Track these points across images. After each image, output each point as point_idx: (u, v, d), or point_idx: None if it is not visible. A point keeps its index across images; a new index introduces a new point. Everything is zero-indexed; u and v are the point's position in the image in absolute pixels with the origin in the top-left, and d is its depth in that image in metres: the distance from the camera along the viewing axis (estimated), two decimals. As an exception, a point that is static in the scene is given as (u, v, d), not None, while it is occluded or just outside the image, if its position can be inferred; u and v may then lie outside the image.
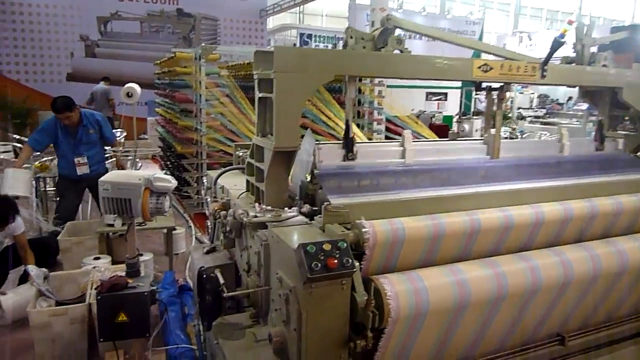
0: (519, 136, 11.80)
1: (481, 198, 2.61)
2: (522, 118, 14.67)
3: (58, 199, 5.17)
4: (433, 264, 2.36)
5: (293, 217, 2.36)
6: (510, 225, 2.49)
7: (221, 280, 2.63)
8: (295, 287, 1.95)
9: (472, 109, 16.02)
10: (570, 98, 20.63)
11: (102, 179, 2.30)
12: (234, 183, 3.19)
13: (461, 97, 15.35)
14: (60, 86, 12.11)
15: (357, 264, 2.02)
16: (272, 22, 17.66)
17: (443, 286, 2.15)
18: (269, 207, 2.41)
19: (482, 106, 16.24)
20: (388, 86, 7.80)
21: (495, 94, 3.09)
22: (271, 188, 2.51)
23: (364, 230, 2.12)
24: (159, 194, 2.35)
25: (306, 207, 2.46)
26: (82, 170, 4.81)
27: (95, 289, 2.41)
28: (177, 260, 4.72)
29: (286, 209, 2.42)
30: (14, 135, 8.54)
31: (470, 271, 2.26)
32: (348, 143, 2.59)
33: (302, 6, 19.26)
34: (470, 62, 2.70)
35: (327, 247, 1.91)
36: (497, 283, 2.27)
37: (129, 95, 5.01)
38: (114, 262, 3.87)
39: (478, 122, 13.63)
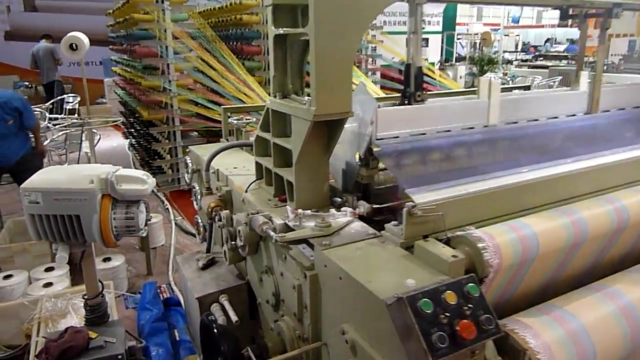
0: (510, 82, 11.05)
1: (607, 173, 1.79)
2: (509, 62, 13.86)
3: None
4: (559, 281, 1.57)
5: (348, 224, 1.49)
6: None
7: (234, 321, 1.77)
8: (392, 367, 1.10)
9: (455, 55, 15.18)
10: (548, 40, 19.92)
11: (25, 185, 1.36)
12: (232, 164, 2.27)
13: (442, 42, 14.49)
14: (-4, 46, 10.52)
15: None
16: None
17: (610, 330, 1.35)
18: (308, 211, 1.52)
19: (464, 52, 15.34)
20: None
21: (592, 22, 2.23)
22: (305, 177, 1.61)
23: (480, 246, 1.28)
24: (128, 203, 1.43)
25: (363, 206, 1.59)
26: None
27: (37, 356, 1.51)
28: (156, 258, 3.79)
29: (333, 210, 1.54)
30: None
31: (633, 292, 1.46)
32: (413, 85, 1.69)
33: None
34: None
35: (450, 297, 1.05)
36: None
37: (73, 47, 3.85)
38: (73, 273, 2.93)
39: (462, 69, 12.83)
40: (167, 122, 5.35)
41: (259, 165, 1.92)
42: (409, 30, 1.72)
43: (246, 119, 2.62)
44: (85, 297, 1.59)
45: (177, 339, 2.55)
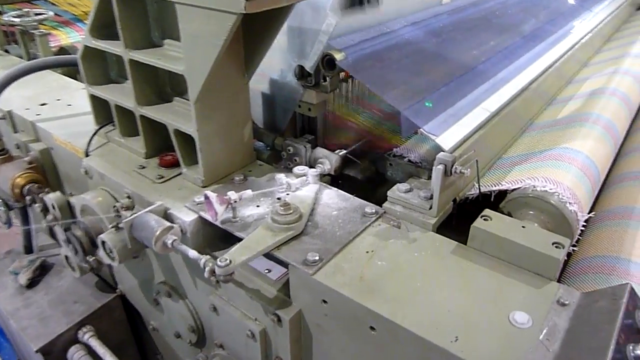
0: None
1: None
2: None
3: None
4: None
5: (317, 199, 0.85)
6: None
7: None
8: None
9: None
10: None
11: None
12: (34, 99, 1.34)
13: None
14: None
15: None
16: None
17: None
18: (248, 191, 0.82)
19: None
20: None
21: None
22: (216, 122, 0.88)
23: (564, 201, 0.81)
24: None
25: (329, 160, 0.95)
26: None
27: None
28: None
29: (281, 175, 0.87)
30: None
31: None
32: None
33: None
34: None
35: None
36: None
37: None
38: None
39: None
40: None
41: (98, 102, 1.07)
42: None
43: (37, 14, 1.59)
44: None
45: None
